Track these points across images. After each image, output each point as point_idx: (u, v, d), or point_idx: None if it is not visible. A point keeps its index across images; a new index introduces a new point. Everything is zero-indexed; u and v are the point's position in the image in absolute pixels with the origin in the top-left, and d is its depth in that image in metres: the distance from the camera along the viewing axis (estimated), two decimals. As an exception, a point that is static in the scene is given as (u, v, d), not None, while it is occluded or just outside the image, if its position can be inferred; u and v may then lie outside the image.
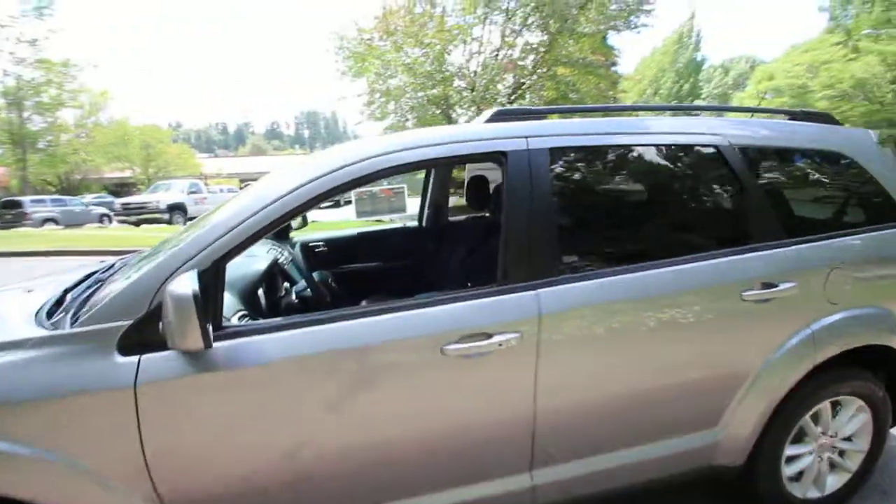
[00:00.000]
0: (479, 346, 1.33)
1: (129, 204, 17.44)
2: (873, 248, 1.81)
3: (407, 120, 13.65)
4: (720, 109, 1.90)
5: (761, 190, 1.71)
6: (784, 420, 1.74)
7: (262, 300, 1.76)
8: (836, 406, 1.87)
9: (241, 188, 19.05)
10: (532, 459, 1.49)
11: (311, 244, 2.79)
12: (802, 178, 1.87)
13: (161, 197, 17.00)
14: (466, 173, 3.00)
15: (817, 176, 1.88)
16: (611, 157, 1.64)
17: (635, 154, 1.66)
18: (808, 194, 1.86)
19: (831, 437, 1.88)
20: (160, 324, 1.15)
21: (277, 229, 1.40)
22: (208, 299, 1.17)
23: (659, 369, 1.56)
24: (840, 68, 22.39)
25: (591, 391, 1.50)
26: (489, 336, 1.35)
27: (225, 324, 1.30)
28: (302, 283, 1.89)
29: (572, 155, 1.58)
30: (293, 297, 1.83)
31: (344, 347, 1.30)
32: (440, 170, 2.96)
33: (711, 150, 1.70)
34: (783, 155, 1.83)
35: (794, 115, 1.96)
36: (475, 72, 13.46)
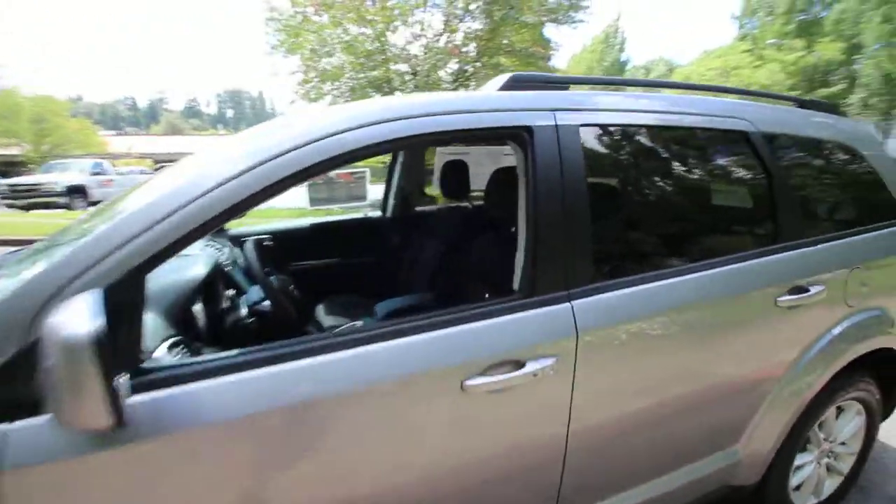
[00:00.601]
0: (509, 378, 1.03)
1: (17, 185, 14.99)
2: (883, 247, 1.74)
3: (346, 102, 12.88)
4: (736, 92, 1.73)
5: (789, 183, 1.56)
6: (798, 430, 1.64)
7: (202, 318, 1.32)
8: (838, 411, 1.81)
9: (155, 170, 17.10)
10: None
11: (257, 238, 2.32)
12: (820, 171, 1.75)
13: (58, 178, 14.81)
14: (438, 158, 2.67)
15: (832, 170, 1.77)
16: (646, 138, 1.39)
17: (671, 136, 1.43)
18: (823, 189, 1.75)
19: (830, 442, 1.83)
20: (39, 374, 0.73)
21: (220, 226, 1.00)
22: (120, 334, 0.77)
23: (694, 385, 1.36)
24: (749, 74, 24.44)
25: (627, 418, 1.26)
26: (521, 364, 1.05)
27: (147, 364, 0.88)
28: (255, 292, 1.44)
29: (604, 134, 1.31)
30: (244, 311, 1.39)
31: (329, 394, 0.94)
32: (410, 151, 2.60)
33: (740, 136, 1.51)
34: (804, 146, 1.69)
35: (802, 104, 1.83)
36: (417, 56, 12.96)
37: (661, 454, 1.37)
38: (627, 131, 1.34)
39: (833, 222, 1.68)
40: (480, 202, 2.33)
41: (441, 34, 13.42)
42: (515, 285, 1.20)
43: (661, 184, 1.41)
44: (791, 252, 1.51)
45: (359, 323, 1.91)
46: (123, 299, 0.79)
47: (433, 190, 3.34)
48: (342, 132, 1.00)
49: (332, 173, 4.90)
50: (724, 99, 1.66)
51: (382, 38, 11.91)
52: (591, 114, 1.26)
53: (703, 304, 1.32)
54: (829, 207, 1.72)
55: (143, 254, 0.84)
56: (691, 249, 1.39)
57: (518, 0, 12.68)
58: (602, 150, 1.29)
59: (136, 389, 0.80)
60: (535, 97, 1.23)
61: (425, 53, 12.95)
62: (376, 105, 1.12)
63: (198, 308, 1.28)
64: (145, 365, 0.85)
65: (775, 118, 1.60)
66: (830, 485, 1.89)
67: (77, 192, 14.49)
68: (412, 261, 2.38)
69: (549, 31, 15.95)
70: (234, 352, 0.91)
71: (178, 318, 1.18)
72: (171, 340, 1.07)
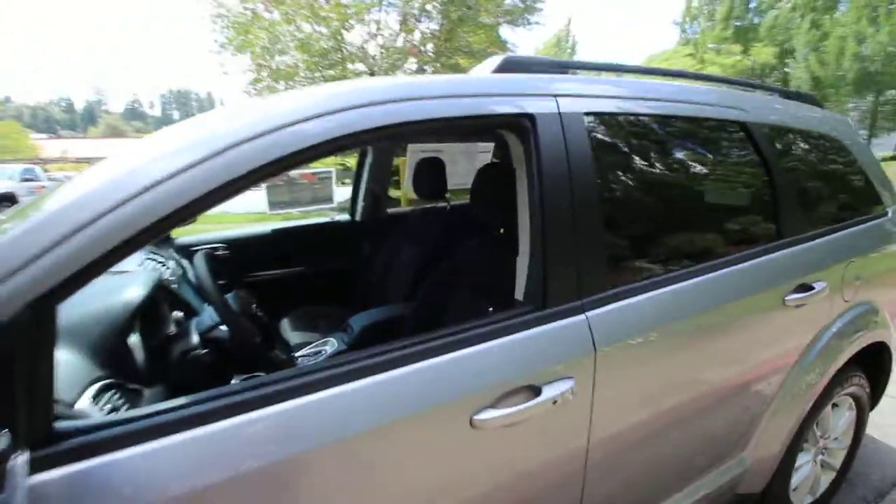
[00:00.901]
0: (526, 409, 0.87)
1: (-66, 194, 13.51)
2: (872, 239, 1.71)
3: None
4: (724, 81, 1.65)
5: (787, 177, 1.49)
6: (802, 431, 1.58)
7: (140, 352, 1.06)
8: (832, 407, 1.77)
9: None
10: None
11: (209, 248, 2.06)
12: (813, 164, 1.71)
13: (-19, 185, 13.48)
14: (410, 155, 2.49)
15: (823, 162, 1.73)
16: (652, 128, 1.27)
17: (677, 126, 1.32)
18: (817, 182, 1.70)
19: (825, 439, 1.79)
20: None
21: (161, 235, 0.78)
22: (18, 393, 0.56)
23: (708, 392, 1.26)
24: (692, 77, 25.59)
25: (645, 430, 1.13)
26: (536, 391, 0.90)
27: (62, 425, 0.65)
28: (208, 315, 1.14)
29: (609, 123, 1.18)
30: (194, 338, 1.10)
31: (308, 448, 0.74)
32: (380, 150, 2.40)
33: (739, 127, 1.43)
34: (796, 137, 1.64)
35: (787, 95, 1.79)
36: (374, 56, 12.69)
37: (678, 464, 1.26)
38: (633, 120, 1.22)
39: (827, 215, 1.64)
40: (459, 202, 2.18)
41: (398, 34, 13.21)
42: (519, 295, 1.05)
43: (669, 177, 1.30)
44: (794, 248, 1.44)
45: (331, 341, 1.71)
46: (23, 342, 0.58)
47: (395, 191, 3.16)
48: (308, 120, 0.80)
49: (294, 173, 4.46)
50: (719, 88, 1.57)
51: (338, 37, 11.55)
52: (594, 101, 1.13)
53: (719, 306, 1.21)
54: (823, 200, 1.68)
55: (53, 277, 0.62)
56: (702, 248, 1.28)
57: (475, 1, 12.67)
58: (608, 140, 1.16)
59: (44, 465, 0.58)
60: (536, 81, 1.08)
61: (383, 53, 12.70)
62: (347, 87, 0.93)
63: (135, 340, 1.04)
64: (60, 426, 0.63)
65: (769, 108, 1.54)
66: (825, 481, 1.86)
67: (5, 199, 13.27)
68: (387, 267, 2.19)
69: (506, 32, 16.08)
70: (183, 400, 0.70)
71: (109, 354, 0.93)
72: (98, 386, 0.83)
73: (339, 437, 0.75)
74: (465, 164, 2.60)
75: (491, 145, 2.69)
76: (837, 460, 1.88)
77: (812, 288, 1.41)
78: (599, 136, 1.14)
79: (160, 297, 1.18)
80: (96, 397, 0.81)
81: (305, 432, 0.74)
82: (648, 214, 1.22)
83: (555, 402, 0.89)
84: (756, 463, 1.48)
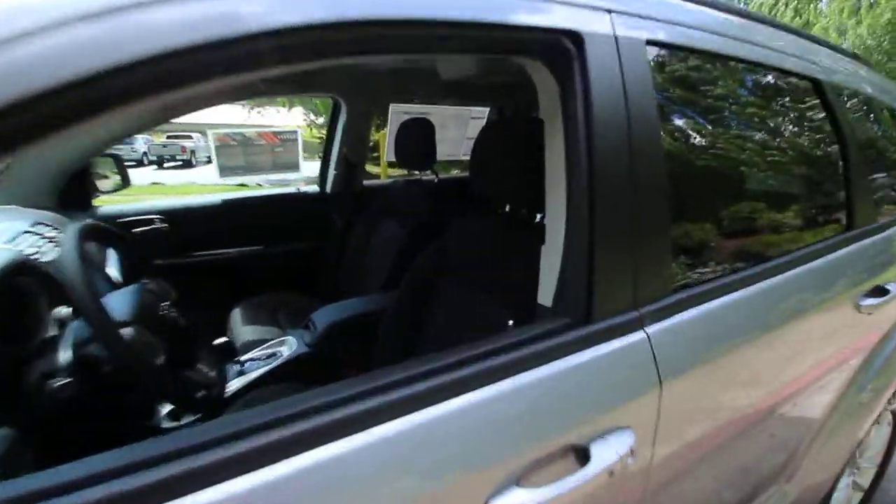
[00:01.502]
0: (574, 487, 0.56)
1: None
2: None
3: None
4: (787, 29, 1.30)
5: (861, 154, 1.21)
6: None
7: None
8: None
9: None
10: None
11: (134, 219, 1.66)
12: (881, 140, 1.43)
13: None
14: (393, 115, 2.12)
15: (888, 138, 1.45)
16: (731, 76, 0.94)
17: (761, 79, 1.00)
18: (886, 161, 1.43)
19: (860, 458, 1.58)
20: None
21: None
22: None
23: (764, 421, 0.98)
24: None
25: (696, 480, 0.85)
26: (583, 454, 0.59)
27: None
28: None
29: (679, 62, 0.85)
30: (62, 356, 0.71)
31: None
32: (354, 109, 2.01)
33: (812, 87, 1.13)
34: (867, 107, 1.35)
35: (855, 56, 1.48)
36: None
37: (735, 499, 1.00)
38: (709, 62, 0.89)
39: (890, 202, 1.37)
40: (448, 175, 1.84)
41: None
42: (545, 300, 0.73)
43: (749, 145, 0.98)
44: (866, 240, 1.17)
45: (289, 340, 1.37)
46: None
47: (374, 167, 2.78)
48: None
49: (251, 132, 3.80)
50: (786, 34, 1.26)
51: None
52: (658, 26, 0.80)
53: (795, 316, 0.93)
54: (891, 184, 1.41)
55: None
56: (778, 239, 0.99)
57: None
58: (676, 85, 0.83)
59: None
60: None
61: None
62: None
63: None
64: None
65: (847, 70, 1.23)
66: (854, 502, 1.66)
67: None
68: (361, 249, 1.85)
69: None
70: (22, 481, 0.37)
71: None
72: None
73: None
74: (455, 131, 2.25)
75: (486, 111, 2.33)
76: (867, 480, 1.69)
77: (887, 291, 1.14)
78: (665, 77, 0.81)
79: (29, 286, 0.81)
80: None
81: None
82: (724, 191, 0.91)
83: (612, 474, 0.59)
84: (803, 492, 1.24)
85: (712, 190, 0.89)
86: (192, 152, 14.72)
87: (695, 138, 0.86)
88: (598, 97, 0.68)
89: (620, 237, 0.69)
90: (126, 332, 0.67)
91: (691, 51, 0.84)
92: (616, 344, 0.66)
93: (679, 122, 0.84)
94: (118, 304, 0.70)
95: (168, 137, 14.61)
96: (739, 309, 0.81)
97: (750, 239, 0.94)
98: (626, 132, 0.70)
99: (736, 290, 0.81)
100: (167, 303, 0.81)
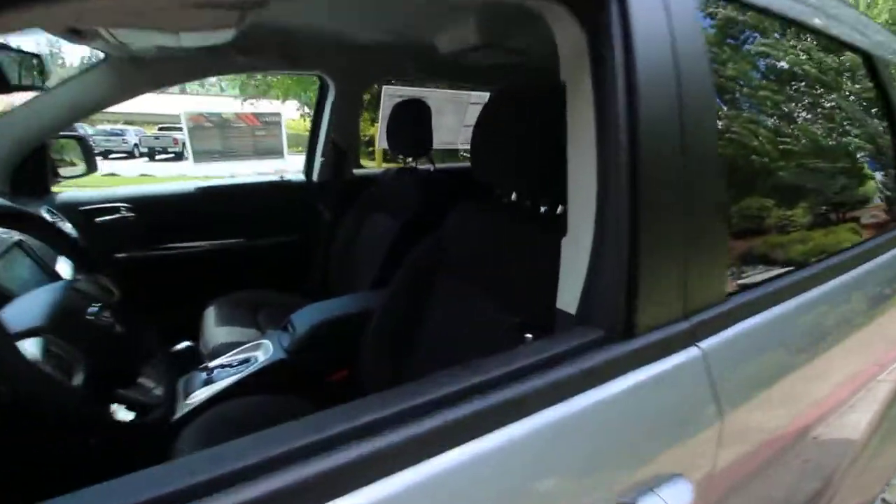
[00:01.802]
0: None
1: None
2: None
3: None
4: None
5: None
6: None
7: None
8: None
9: None
10: None
11: (97, 207, 1.50)
12: None
13: None
14: (386, 98, 1.95)
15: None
16: (793, 44, 0.78)
17: (816, 49, 0.85)
18: None
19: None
20: None
21: None
22: None
23: (814, 440, 0.85)
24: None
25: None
26: None
27: None
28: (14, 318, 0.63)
29: (735, 17, 0.69)
30: None
31: None
32: (344, 91, 1.85)
33: (863, 60, 0.98)
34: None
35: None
36: None
37: None
38: (767, 20, 0.73)
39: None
40: (445, 165, 1.68)
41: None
42: (568, 306, 0.58)
43: (809, 122, 0.83)
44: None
45: (265, 344, 1.22)
46: None
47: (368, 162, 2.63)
48: None
49: (230, 113, 3.46)
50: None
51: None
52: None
53: (854, 322, 0.78)
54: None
55: None
56: (838, 232, 0.84)
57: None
58: (733, 45, 0.68)
59: None
60: None
61: None
62: None
63: None
64: None
65: (890, 44, 1.09)
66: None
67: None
68: (350, 243, 1.69)
69: None
70: None
71: None
72: None
73: None
74: (452, 117, 2.09)
75: (486, 96, 2.18)
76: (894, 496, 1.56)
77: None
78: (719, 34, 0.66)
79: None
80: None
81: None
82: (784, 175, 0.76)
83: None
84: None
85: (773, 171, 0.74)
86: (184, 144, 14.44)
87: (753, 110, 0.71)
88: (643, 49, 0.53)
89: (670, 227, 0.54)
90: (27, 343, 0.51)
91: (753, 6, 0.68)
92: (666, 365, 0.51)
93: (734, 89, 0.69)
94: (22, 309, 0.54)
95: (160, 129, 14.32)
96: (807, 313, 0.66)
97: (811, 236, 0.79)
98: (675, 96, 0.55)
99: (805, 290, 0.66)
100: (99, 305, 0.65)
